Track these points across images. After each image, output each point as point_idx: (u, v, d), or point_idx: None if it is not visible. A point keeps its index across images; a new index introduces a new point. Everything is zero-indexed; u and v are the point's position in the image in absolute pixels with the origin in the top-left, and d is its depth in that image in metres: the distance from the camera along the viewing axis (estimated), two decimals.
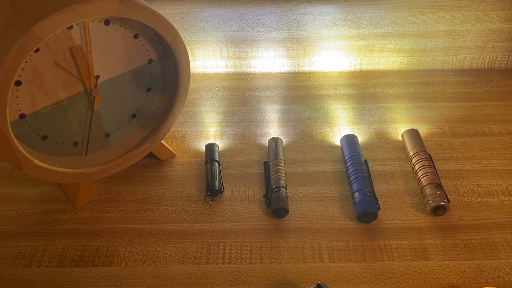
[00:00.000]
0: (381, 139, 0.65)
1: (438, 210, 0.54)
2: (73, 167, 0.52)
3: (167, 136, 0.64)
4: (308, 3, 0.73)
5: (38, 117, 0.48)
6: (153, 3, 0.49)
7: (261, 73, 0.79)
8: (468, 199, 0.56)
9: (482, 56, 0.79)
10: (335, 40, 0.77)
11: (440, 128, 0.67)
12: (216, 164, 0.59)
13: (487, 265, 0.50)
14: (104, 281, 0.48)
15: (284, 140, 0.65)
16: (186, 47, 0.52)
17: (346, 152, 0.61)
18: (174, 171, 0.61)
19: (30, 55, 0.44)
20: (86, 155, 0.53)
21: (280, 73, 0.79)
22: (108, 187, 0.58)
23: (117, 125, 0.56)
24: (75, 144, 0.53)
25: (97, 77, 0.51)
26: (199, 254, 0.51)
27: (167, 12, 0.72)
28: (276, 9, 0.74)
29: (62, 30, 0.44)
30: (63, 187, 0.58)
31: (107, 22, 0.47)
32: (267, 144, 0.64)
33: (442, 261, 0.50)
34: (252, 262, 0.50)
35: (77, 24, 0.45)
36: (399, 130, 0.66)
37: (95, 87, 0.50)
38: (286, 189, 0.56)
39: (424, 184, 0.56)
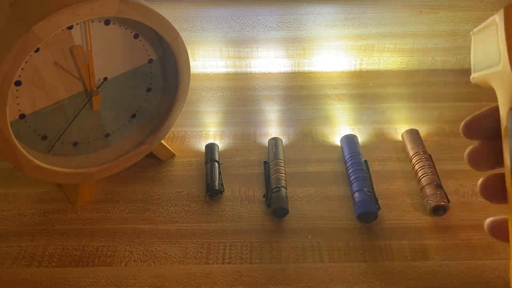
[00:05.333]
0: (381, 139, 0.65)
1: (438, 210, 0.54)
2: (73, 167, 0.52)
3: (167, 136, 0.64)
4: (308, 3, 0.73)
5: (38, 117, 0.48)
6: (153, 3, 0.49)
7: (261, 73, 0.79)
8: (468, 199, 0.56)
9: None
10: (335, 40, 0.77)
11: (440, 128, 0.67)
12: (216, 164, 0.59)
13: (487, 265, 0.50)
14: (104, 281, 0.48)
15: (284, 140, 0.65)
16: (186, 47, 0.52)
17: (346, 152, 0.61)
18: (174, 171, 0.61)
19: (30, 55, 0.44)
20: (48, 152, 0.51)
21: (280, 73, 0.79)
22: (108, 187, 0.58)
23: (117, 125, 0.56)
24: (75, 144, 0.53)
25: (105, 78, 0.51)
26: (199, 254, 0.51)
27: (167, 12, 0.71)
28: (276, 9, 0.74)
29: (62, 30, 0.44)
30: (63, 187, 0.58)
31: (107, 22, 0.47)
32: (267, 144, 0.64)
33: (442, 261, 0.50)
34: (252, 262, 0.50)
35: (77, 24, 0.45)
36: (399, 130, 0.66)
37: (97, 87, 0.50)
38: (286, 189, 0.56)
39: (424, 184, 0.56)
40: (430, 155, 0.60)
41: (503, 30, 0.26)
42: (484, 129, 0.29)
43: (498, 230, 0.29)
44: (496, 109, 0.28)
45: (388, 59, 0.79)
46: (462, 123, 0.31)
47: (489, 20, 0.28)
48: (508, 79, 0.25)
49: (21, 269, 0.49)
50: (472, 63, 0.30)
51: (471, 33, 0.30)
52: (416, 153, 0.60)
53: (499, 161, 0.28)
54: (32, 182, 0.59)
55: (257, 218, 0.55)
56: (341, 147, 0.63)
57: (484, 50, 0.28)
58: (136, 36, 0.51)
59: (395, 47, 0.78)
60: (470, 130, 0.31)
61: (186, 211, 0.56)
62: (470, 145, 0.32)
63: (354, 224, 0.54)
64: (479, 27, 0.29)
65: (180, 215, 0.55)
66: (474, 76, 0.29)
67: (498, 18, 0.27)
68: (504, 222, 0.29)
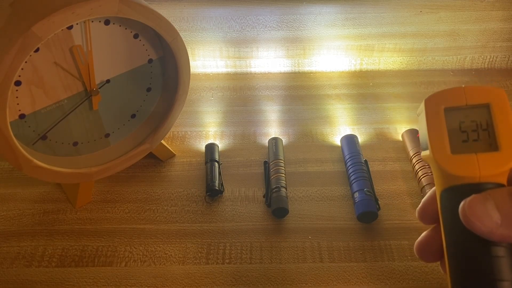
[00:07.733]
0: (381, 139, 0.65)
1: None
2: (73, 167, 0.52)
3: (167, 136, 0.64)
4: (308, 3, 0.73)
5: (38, 117, 0.48)
6: (153, 3, 0.49)
7: (261, 73, 0.79)
8: None
9: (482, 56, 0.79)
10: (335, 40, 0.77)
11: None
12: (216, 164, 0.59)
13: None
14: (104, 281, 0.48)
15: (284, 140, 0.65)
16: (186, 47, 0.52)
17: (346, 152, 0.61)
18: (174, 171, 0.61)
19: (30, 55, 0.44)
20: (33, 145, 0.50)
21: (280, 73, 0.79)
22: (108, 187, 0.58)
23: (117, 125, 0.56)
24: (75, 144, 0.53)
25: (108, 81, 0.51)
26: (199, 254, 0.51)
27: (167, 12, 0.72)
28: (276, 9, 0.74)
29: (62, 30, 0.44)
30: (63, 187, 0.58)
31: (107, 22, 0.47)
32: (267, 144, 0.64)
33: None
34: (252, 262, 0.50)
35: (77, 24, 0.45)
36: (399, 130, 0.66)
37: (97, 88, 0.50)
38: (286, 189, 0.56)
39: (424, 184, 0.56)
40: None
41: (425, 120, 0.28)
42: (436, 213, 0.29)
43: (425, 252, 0.30)
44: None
45: (388, 59, 0.79)
46: (416, 211, 0.31)
47: (422, 104, 0.29)
48: (435, 165, 0.27)
49: (21, 269, 0.49)
50: (420, 142, 0.31)
51: (417, 113, 0.31)
52: (416, 153, 0.60)
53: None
54: (32, 182, 0.59)
55: (257, 218, 0.55)
56: (341, 147, 0.63)
57: (422, 133, 0.30)
58: (136, 36, 0.51)
59: (395, 47, 0.78)
60: (425, 216, 0.31)
61: (186, 211, 0.56)
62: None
63: (354, 224, 0.54)
64: (419, 109, 0.30)
65: (180, 215, 0.55)
66: (421, 154, 0.30)
67: (423, 107, 0.29)
68: (428, 242, 0.30)
